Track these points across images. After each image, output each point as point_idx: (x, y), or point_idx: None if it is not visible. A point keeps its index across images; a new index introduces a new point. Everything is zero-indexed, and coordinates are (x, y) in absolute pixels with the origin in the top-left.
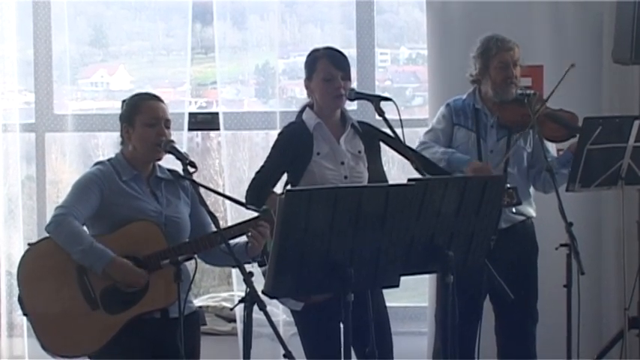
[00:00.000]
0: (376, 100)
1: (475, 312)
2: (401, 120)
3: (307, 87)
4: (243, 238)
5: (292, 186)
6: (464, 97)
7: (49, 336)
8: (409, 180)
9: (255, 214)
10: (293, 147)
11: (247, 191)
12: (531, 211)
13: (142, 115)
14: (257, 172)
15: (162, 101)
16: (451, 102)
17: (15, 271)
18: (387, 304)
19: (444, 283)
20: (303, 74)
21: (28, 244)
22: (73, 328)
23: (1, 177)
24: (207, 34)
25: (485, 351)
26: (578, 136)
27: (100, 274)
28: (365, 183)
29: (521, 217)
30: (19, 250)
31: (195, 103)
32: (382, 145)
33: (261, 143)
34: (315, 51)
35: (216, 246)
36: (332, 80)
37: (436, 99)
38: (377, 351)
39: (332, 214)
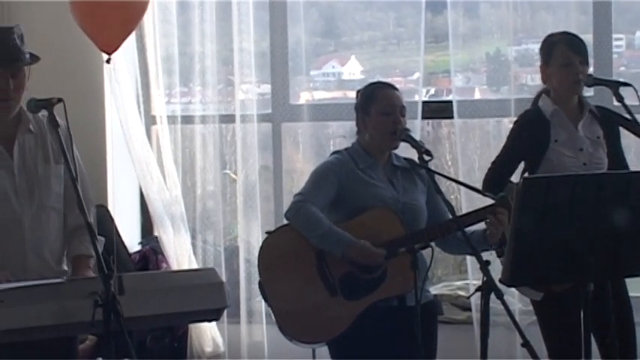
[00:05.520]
0: (615, 85)
1: None
2: None
3: (543, 73)
4: (481, 226)
5: (530, 174)
6: None
7: (289, 321)
8: None
9: (492, 201)
10: (530, 135)
11: (484, 181)
12: None
13: (378, 104)
14: (493, 162)
15: (397, 90)
16: None
17: (253, 259)
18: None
19: None
20: (535, 61)
21: (266, 233)
22: (313, 315)
23: (240, 167)
24: (438, 23)
25: None
26: None
27: (339, 258)
28: (605, 169)
29: None
30: (257, 239)
31: (427, 92)
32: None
33: (492, 132)
34: (551, 36)
35: (453, 233)
36: (570, 65)
37: None
38: (618, 343)
39: (570, 202)
